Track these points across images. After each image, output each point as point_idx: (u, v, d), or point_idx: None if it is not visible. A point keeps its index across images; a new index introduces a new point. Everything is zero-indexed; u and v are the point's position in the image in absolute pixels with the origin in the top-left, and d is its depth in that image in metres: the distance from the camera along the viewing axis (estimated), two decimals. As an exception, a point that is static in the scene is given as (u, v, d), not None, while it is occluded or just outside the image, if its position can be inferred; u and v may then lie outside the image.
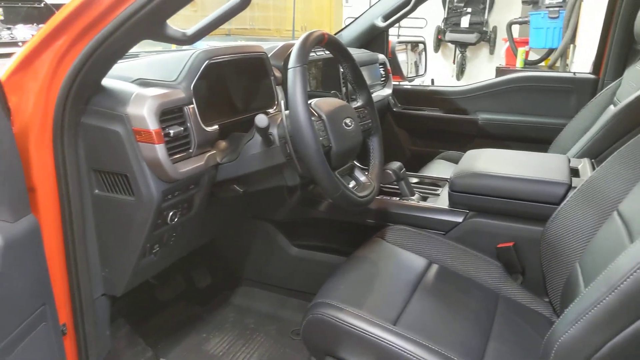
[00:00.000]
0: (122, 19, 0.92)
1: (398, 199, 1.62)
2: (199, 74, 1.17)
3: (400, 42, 2.69)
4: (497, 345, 1.11)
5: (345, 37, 2.47)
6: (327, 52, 1.61)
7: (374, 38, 2.48)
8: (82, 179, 1.08)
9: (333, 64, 1.80)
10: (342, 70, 1.73)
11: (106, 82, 1.08)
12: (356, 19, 2.46)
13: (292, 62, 1.10)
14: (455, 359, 0.99)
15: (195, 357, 1.54)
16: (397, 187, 1.63)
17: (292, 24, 4.49)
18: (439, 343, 1.02)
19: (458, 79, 6.11)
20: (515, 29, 5.24)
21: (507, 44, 5.15)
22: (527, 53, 4.74)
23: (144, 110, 1.02)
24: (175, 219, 1.18)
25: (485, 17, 5.73)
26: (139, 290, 1.56)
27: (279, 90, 1.49)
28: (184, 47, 1.24)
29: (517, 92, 2.32)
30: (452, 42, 6.06)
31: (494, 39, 5.79)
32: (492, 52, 5.88)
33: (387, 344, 1.02)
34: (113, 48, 0.97)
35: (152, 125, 1.03)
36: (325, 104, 1.22)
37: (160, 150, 1.04)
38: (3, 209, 0.84)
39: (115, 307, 1.28)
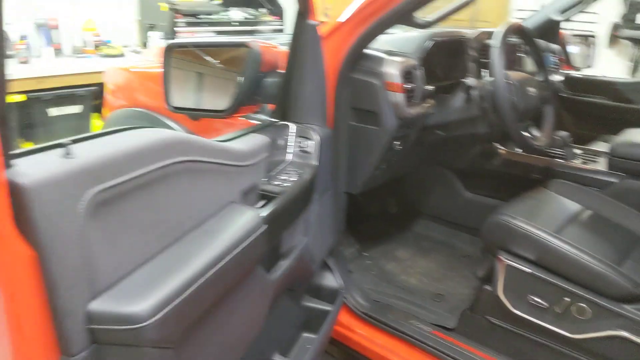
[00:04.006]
0: (391, 13, 1.46)
1: (563, 161, 2.01)
2: (426, 49, 1.69)
3: (572, 35, 2.98)
4: (633, 264, 1.49)
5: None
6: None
7: (549, 29, 2.82)
8: (344, 113, 1.67)
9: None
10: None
11: (367, 51, 1.65)
12: (534, 14, 2.82)
13: (495, 42, 1.57)
14: (600, 257, 1.40)
15: (387, 258, 2.10)
16: (562, 151, 2.02)
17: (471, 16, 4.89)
18: (587, 247, 1.44)
19: (632, 76, 5.93)
20: None
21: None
22: None
23: (394, 70, 1.57)
24: (399, 147, 1.73)
25: (670, 14, 5.50)
26: (352, 205, 2.14)
27: (472, 66, 1.97)
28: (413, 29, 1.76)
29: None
30: (628, 38, 5.89)
31: (677, 38, 5.53)
32: (673, 51, 5.62)
33: (549, 242, 1.46)
34: (378, 30, 1.52)
35: (398, 80, 1.58)
36: (516, 74, 1.68)
37: (400, 97, 1.59)
38: (317, 119, 1.44)
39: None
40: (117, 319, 0.69)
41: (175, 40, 1.40)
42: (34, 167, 0.62)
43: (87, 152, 0.68)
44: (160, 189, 0.81)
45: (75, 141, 0.71)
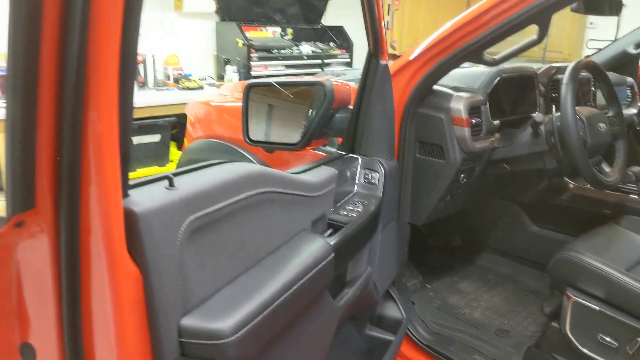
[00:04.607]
0: (460, 51, 1.51)
1: (635, 197, 1.95)
2: (493, 85, 1.73)
3: (650, 67, 2.89)
4: None
5: (596, 60, 2.78)
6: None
7: (623, 62, 2.76)
8: (410, 146, 1.72)
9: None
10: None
11: (434, 86, 1.71)
12: (608, 46, 2.77)
13: (565, 79, 1.59)
14: None
15: (450, 290, 2.10)
16: (635, 187, 1.97)
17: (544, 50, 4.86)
18: None
19: None
20: None
21: None
22: None
23: (461, 106, 1.62)
24: (464, 180, 1.75)
25: None
26: (415, 236, 2.17)
27: (541, 100, 1.98)
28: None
29: None
30: None
31: None
32: None
33: (620, 280, 1.43)
34: (446, 68, 1.58)
35: (465, 115, 1.62)
36: (586, 110, 1.67)
37: (467, 131, 1.63)
38: (383, 152, 1.50)
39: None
40: (205, 334, 0.77)
41: (255, 80, 1.53)
42: (145, 197, 0.72)
43: (186, 184, 0.79)
44: (244, 217, 0.90)
45: (177, 174, 0.81)
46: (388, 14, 5.80)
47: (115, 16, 0.60)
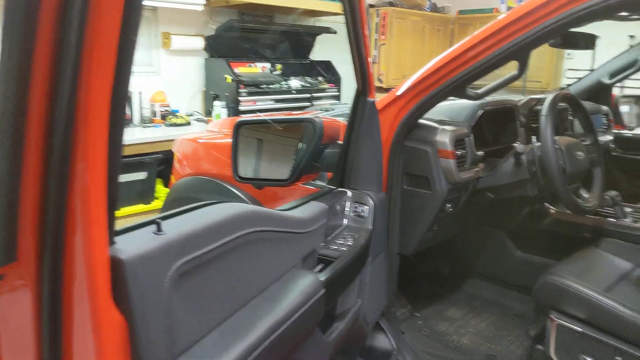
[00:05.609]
0: (444, 87, 1.56)
1: (613, 220, 2.00)
2: (476, 118, 1.79)
3: (624, 96, 3.01)
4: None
5: (572, 90, 2.90)
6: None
7: (599, 92, 2.87)
8: (398, 178, 1.76)
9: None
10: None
11: (421, 120, 1.75)
12: (584, 77, 2.88)
13: (544, 111, 1.65)
14: None
15: (438, 318, 2.12)
16: (612, 210, 2.02)
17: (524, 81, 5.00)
18: (639, 306, 1.43)
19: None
20: None
21: None
22: None
23: (446, 139, 1.67)
24: (450, 210, 1.79)
25: None
26: (404, 266, 2.19)
27: (522, 131, 2.04)
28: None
29: None
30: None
31: None
32: None
33: (599, 301, 1.47)
34: (431, 103, 1.62)
35: (450, 147, 1.66)
36: (565, 140, 1.74)
37: (452, 163, 1.67)
38: (372, 185, 1.53)
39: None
40: None
41: (244, 118, 1.56)
42: (131, 244, 0.71)
43: (174, 228, 0.78)
44: (233, 258, 0.90)
45: (164, 218, 0.82)
46: (375, 49, 5.95)
47: (106, 67, 0.61)
